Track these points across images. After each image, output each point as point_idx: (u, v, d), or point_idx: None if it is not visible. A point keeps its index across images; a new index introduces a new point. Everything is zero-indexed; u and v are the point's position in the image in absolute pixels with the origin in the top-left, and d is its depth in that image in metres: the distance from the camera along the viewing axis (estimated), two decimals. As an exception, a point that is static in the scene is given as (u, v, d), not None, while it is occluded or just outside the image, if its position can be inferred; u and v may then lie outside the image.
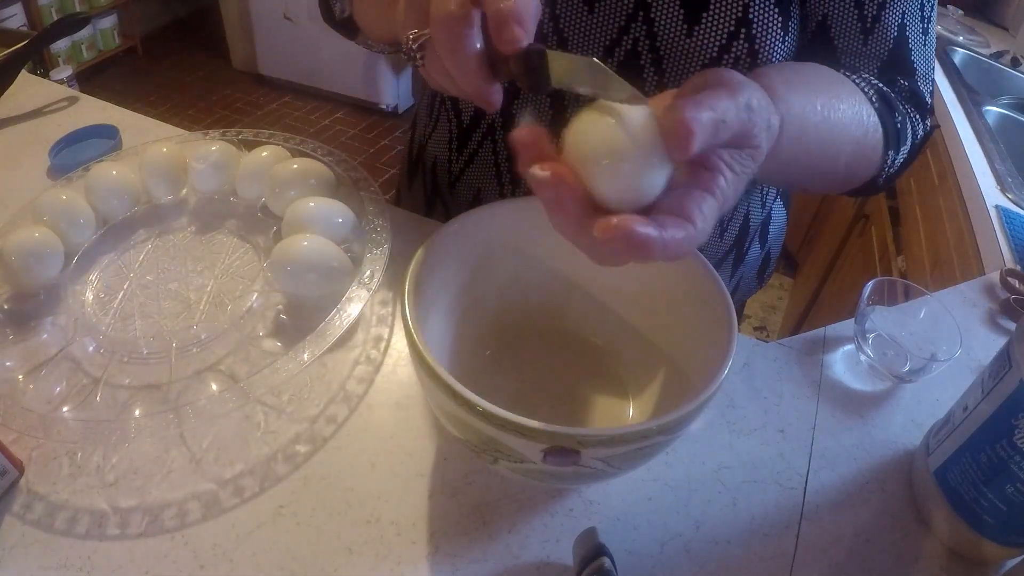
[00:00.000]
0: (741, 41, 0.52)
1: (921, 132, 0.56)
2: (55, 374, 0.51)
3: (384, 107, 3.12)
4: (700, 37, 0.52)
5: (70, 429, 0.45)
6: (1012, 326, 0.59)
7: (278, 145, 0.67)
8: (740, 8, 0.51)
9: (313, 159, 0.64)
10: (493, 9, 0.34)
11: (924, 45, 0.56)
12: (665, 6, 0.53)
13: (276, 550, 0.42)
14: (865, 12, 0.54)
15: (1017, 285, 0.63)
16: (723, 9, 0.51)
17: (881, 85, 0.54)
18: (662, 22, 0.53)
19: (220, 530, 0.43)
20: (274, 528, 0.43)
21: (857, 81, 0.52)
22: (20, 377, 0.50)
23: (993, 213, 1.05)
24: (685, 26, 0.52)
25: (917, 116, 0.56)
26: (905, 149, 0.54)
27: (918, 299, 0.57)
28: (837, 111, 0.46)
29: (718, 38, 0.52)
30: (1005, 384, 0.38)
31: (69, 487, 0.45)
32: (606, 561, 0.38)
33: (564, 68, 0.34)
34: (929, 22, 0.56)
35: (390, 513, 0.44)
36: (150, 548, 0.42)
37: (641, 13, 0.53)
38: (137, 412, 0.48)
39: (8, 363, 0.52)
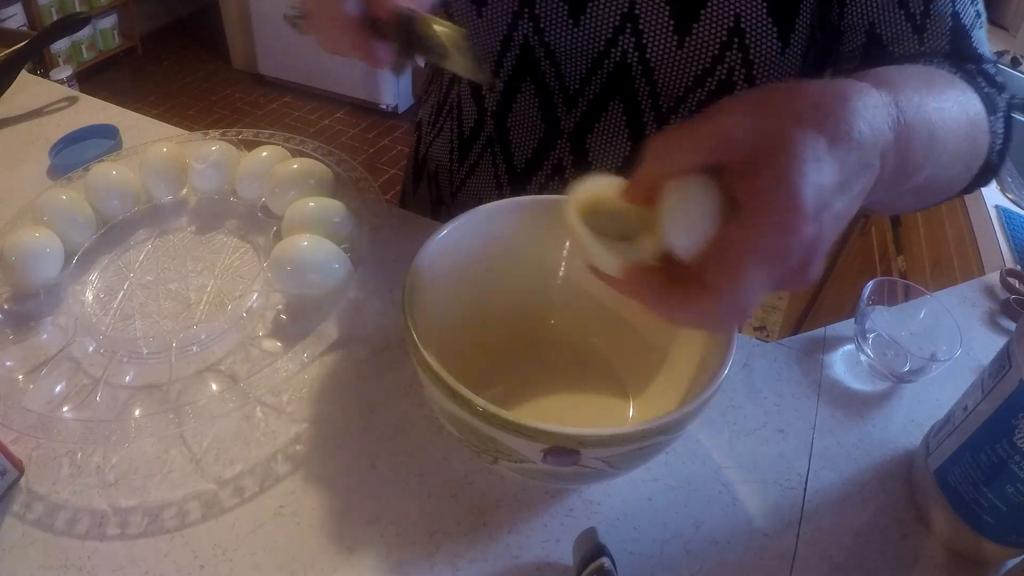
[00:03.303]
0: (734, 51, 0.51)
1: (1004, 104, 0.50)
2: (55, 374, 0.51)
3: (384, 107, 3.13)
4: (691, 48, 0.52)
5: (70, 429, 0.45)
6: (1012, 326, 0.59)
7: (278, 145, 0.67)
8: (732, 18, 0.50)
9: (313, 159, 0.64)
10: None
11: (979, 27, 0.52)
12: (653, 18, 0.52)
13: (276, 550, 0.42)
14: (912, 10, 0.50)
15: (1017, 285, 0.63)
16: (714, 19, 0.51)
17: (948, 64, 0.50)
18: (651, 34, 0.53)
19: (220, 530, 0.43)
20: (274, 528, 0.43)
21: (927, 64, 0.49)
22: (20, 377, 0.50)
23: (993, 213, 1.05)
24: (676, 37, 0.52)
25: (993, 90, 0.50)
26: (1000, 117, 0.48)
27: (918, 299, 0.57)
28: (942, 92, 0.40)
29: (710, 48, 0.52)
30: (1005, 384, 0.38)
31: (69, 487, 0.45)
32: (606, 561, 0.38)
33: (434, 36, 0.38)
34: (977, 3, 0.52)
35: (390, 513, 0.44)
36: (150, 548, 0.42)
37: (629, 25, 0.53)
38: (137, 412, 0.48)
39: (8, 363, 0.52)
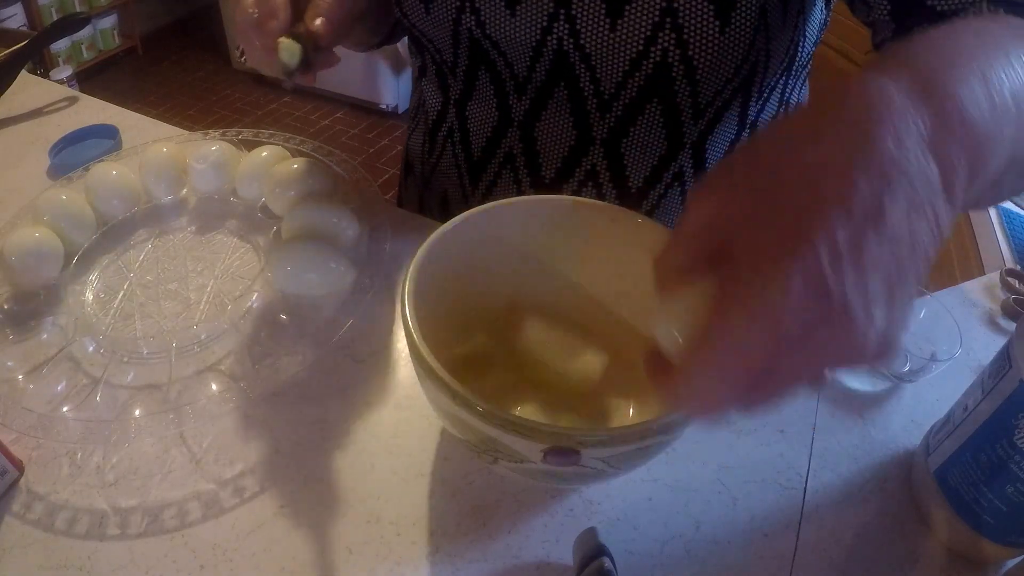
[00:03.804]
0: (667, 32, 0.51)
1: None
2: (55, 374, 0.51)
3: (384, 107, 3.12)
4: (624, 31, 0.52)
5: (70, 429, 0.45)
6: (1012, 326, 0.59)
7: (278, 145, 0.67)
8: None
9: (313, 159, 0.64)
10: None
11: None
12: (585, 3, 0.52)
13: (276, 550, 0.42)
14: None
15: (1017, 285, 0.63)
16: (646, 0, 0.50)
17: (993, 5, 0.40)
18: (584, 19, 0.53)
19: (220, 530, 0.43)
20: (274, 528, 0.43)
21: (974, 12, 0.40)
22: (20, 377, 0.50)
23: (993, 213, 1.05)
24: (608, 21, 0.52)
25: None
26: None
27: (918, 299, 0.57)
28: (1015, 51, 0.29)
29: (643, 30, 0.51)
30: (1005, 384, 0.38)
31: (69, 487, 0.45)
32: (606, 561, 0.38)
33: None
34: None
35: (390, 513, 0.44)
36: (150, 548, 0.42)
37: (562, 12, 0.53)
38: (137, 412, 0.48)
39: (8, 363, 0.52)
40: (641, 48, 0.52)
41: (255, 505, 0.44)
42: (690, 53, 0.52)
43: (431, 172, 0.70)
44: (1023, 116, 0.28)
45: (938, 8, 0.43)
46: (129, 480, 0.45)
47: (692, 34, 0.51)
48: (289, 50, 0.46)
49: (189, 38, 3.77)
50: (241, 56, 0.52)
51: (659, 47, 0.52)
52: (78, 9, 3.04)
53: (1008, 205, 1.08)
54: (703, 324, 0.24)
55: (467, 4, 0.56)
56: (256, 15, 0.47)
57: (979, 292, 0.63)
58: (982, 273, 0.80)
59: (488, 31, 0.56)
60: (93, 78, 3.21)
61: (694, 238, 0.26)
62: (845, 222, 0.22)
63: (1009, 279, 0.63)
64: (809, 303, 0.21)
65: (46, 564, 0.41)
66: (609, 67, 0.54)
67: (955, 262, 1.08)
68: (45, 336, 0.54)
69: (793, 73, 0.61)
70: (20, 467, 0.46)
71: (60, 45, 2.99)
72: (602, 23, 0.52)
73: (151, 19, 3.73)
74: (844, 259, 0.21)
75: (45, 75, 2.41)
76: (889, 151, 0.22)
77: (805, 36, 0.59)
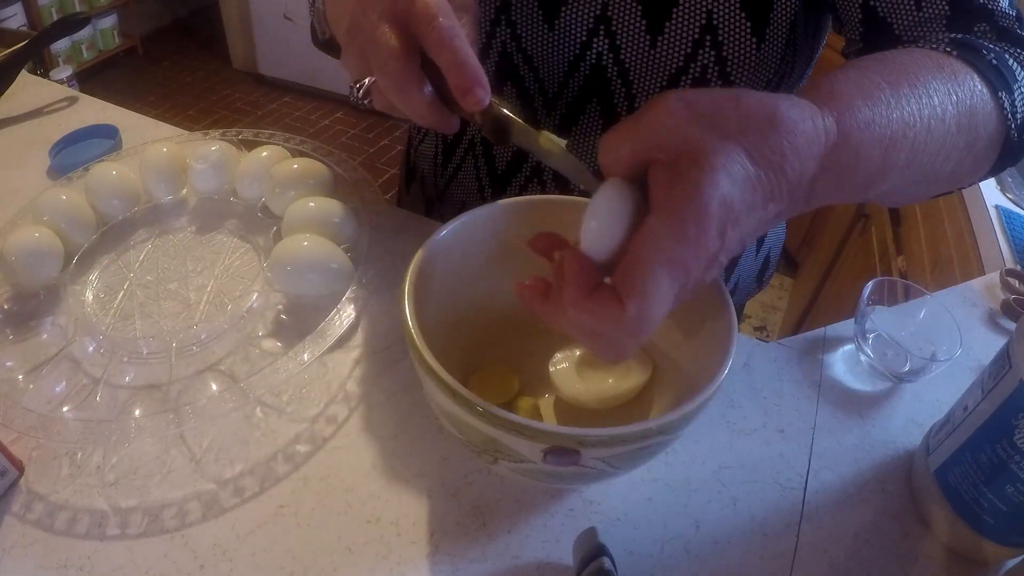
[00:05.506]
0: (707, 49, 0.51)
1: None
2: (55, 374, 0.51)
3: (384, 107, 3.12)
4: (664, 47, 0.52)
5: (70, 429, 0.45)
6: (1012, 326, 0.59)
7: (278, 145, 0.67)
8: (703, 15, 0.50)
9: (313, 159, 0.64)
10: (453, 79, 0.37)
11: None
12: (626, 19, 0.52)
13: (276, 550, 0.42)
14: None
15: (1017, 285, 0.63)
16: (686, 17, 0.51)
17: (954, 35, 0.45)
18: (624, 35, 0.53)
19: (220, 530, 0.43)
20: (274, 528, 0.43)
21: (921, 45, 0.44)
22: (20, 377, 0.50)
23: (993, 213, 1.05)
24: (648, 37, 0.52)
25: (1018, 50, 0.45)
26: (1021, 87, 0.43)
27: (918, 299, 0.57)
28: (922, 88, 0.36)
29: (683, 47, 0.52)
30: (1005, 384, 0.38)
31: (69, 487, 0.45)
32: (606, 561, 0.38)
33: (526, 137, 0.40)
34: None
35: (390, 513, 0.44)
36: (150, 548, 0.42)
37: (602, 27, 0.53)
38: (137, 412, 0.48)
39: (8, 363, 0.52)
40: (681, 64, 0.52)
41: (255, 505, 0.44)
42: (728, 69, 0.52)
43: (448, 183, 0.70)
44: (922, 151, 0.35)
45: (904, 38, 0.48)
46: (129, 480, 0.45)
47: (731, 51, 0.51)
48: (553, 139, 0.40)
49: (189, 38, 3.78)
50: (361, 94, 0.44)
51: (699, 64, 0.52)
52: (78, 9, 3.04)
53: (1008, 205, 1.08)
54: (636, 239, 0.29)
55: (503, 17, 0.56)
56: (407, 74, 0.38)
57: (979, 292, 0.63)
58: (982, 273, 0.80)
59: (523, 45, 0.56)
60: (93, 78, 3.21)
61: (646, 143, 0.30)
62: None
63: (1009, 279, 0.63)
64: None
65: (46, 564, 0.41)
66: (647, 83, 0.54)
67: (955, 262, 1.08)
68: (45, 336, 0.54)
69: (803, 78, 0.61)
70: (20, 467, 0.46)
71: (60, 45, 2.99)
72: (642, 39, 0.52)
73: (151, 19, 3.73)
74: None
75: (45, 75, 2.41)
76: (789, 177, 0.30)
77: (820, 43, 0.59)
